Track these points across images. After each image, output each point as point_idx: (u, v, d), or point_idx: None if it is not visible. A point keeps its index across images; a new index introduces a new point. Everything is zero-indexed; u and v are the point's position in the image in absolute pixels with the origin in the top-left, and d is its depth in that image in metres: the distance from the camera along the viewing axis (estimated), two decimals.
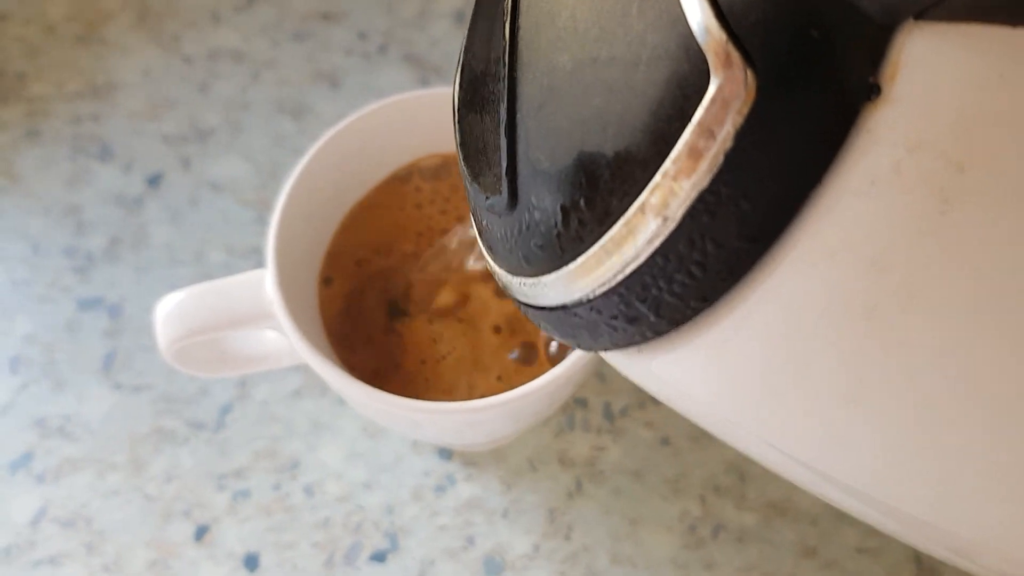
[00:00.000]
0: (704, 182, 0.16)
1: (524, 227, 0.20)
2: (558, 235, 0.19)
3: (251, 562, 0.40)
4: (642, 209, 0.17)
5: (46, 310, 0.44)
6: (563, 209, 0.18)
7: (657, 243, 0.17)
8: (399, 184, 0.34)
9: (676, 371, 0.20)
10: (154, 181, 0.46)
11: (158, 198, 0.46)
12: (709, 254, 0.17)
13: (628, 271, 0.18)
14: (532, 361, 0.30)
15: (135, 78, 0.49)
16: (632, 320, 0.19)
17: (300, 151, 0.46)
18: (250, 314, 0.30)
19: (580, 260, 0.19)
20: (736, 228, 0.17)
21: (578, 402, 0.42)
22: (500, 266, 0.22)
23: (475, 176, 0.21)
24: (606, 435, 0.41)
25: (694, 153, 0.16)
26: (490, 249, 0.22)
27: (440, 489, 0.41)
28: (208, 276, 0.44)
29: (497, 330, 0.31)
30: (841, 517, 0.40)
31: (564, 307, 0.20)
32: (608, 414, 0.42)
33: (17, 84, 0.48)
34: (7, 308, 0.44)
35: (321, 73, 0.48)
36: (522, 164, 0.19)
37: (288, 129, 0.47)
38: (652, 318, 0.19)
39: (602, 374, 0.42)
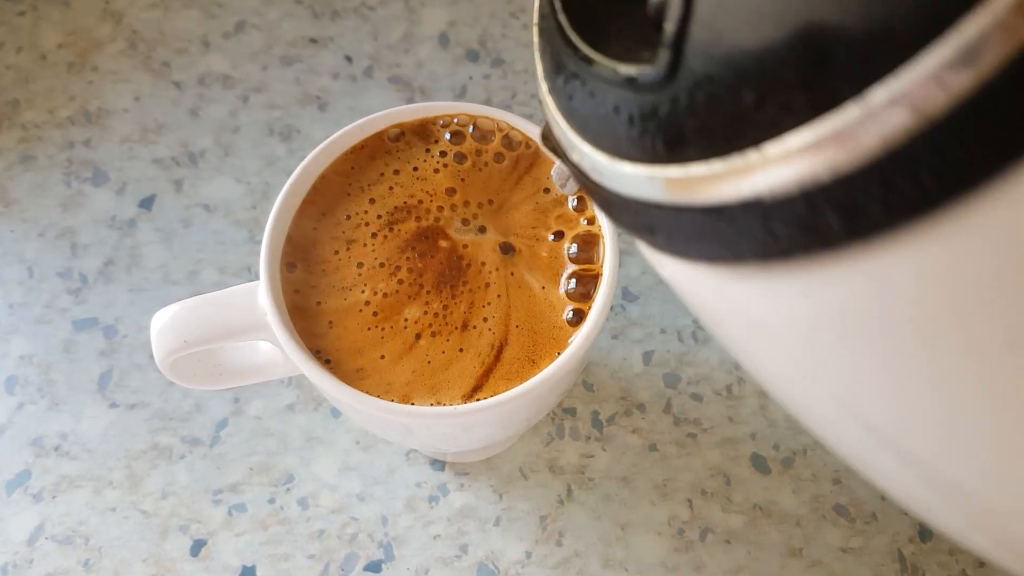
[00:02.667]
0: (987, 77, 0.13)
1: (680, 105, 0.16)
2: (741, 118, 0.15)
3: (248, 575, 0.40)
4: (892, 99, 0.13)
5: (42, 331, 0.44)
6: (761, 87, 0.15)
7: (896, 141, 0.14)
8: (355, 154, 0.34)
9: (809, 300, 0.17)
10: (147, 204, 0.47)
11: (151, 220, 0.47)
12: (952, 163, 0.14)
13: (842, 170, 0.14)
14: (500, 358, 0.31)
15: (127, 104, 0.50)
16: (806, 229, 0.15)
17: (290, 172, 0.47)
18: (244, 325, 0.30)
19: (769, 149, 0.15)
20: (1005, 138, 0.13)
21: (567, 411, 0.43)
22: (595, 145, 0.18)
23: (592, 42, 0.18)
24: (595, 443, 0.42)
25: (977, 46, 0.12)
26: (581, 126, 0.19)
27: (433, 499, 0.41)
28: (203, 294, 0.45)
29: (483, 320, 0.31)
30: (825, 518, 0.41)
31: (714, 209, 0.16)
32: (596, 422, 0.43)
33: (10, 111, 0.49)
34: (4, 330, 0.44)
35: (309, 96, 0.50)
36: (698, 28, 0.16)
37: (278, 151, 0.48)
38: (836, 228, 0.15)
39: (590, 383, 0.43)
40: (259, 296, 0.31)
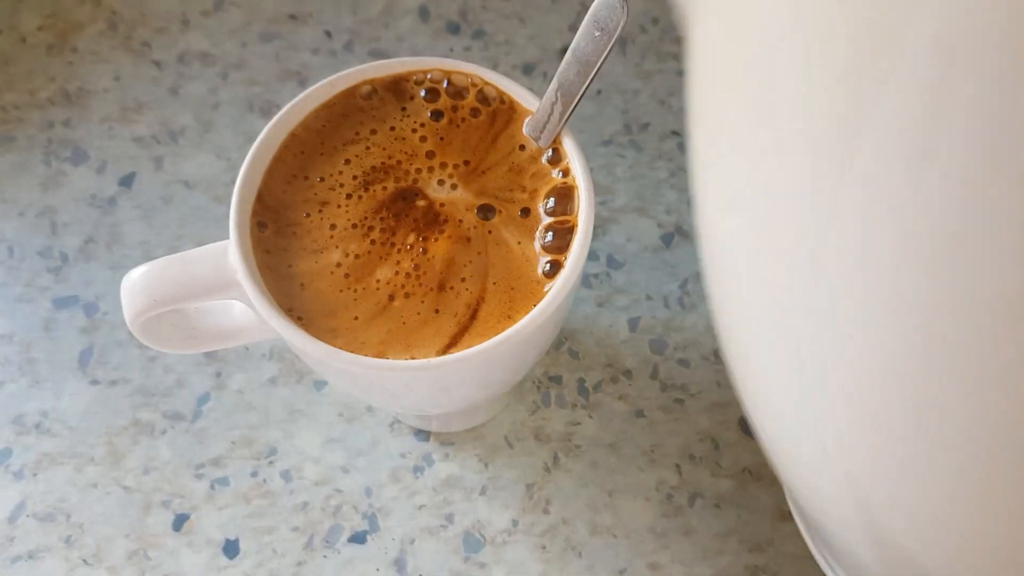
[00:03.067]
0: None
1: None
2: None
3: (231, 548, 0.40)
4: None
5: (23, 310, 0.44)
6: None
7: None
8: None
9: None
10: (127, 181, 0.47)
11: (131, 198, 0.46)
12: None
13: None
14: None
15: (107, 84, 0.49)
16: None
17: None
18: (214, 284, 0.30)
19: None
20: None
21: (552, 379, 0.42)
22: None
23: None
24: (581, 410, 0.42)
25: None
26: None
27: (418, 469, 0.41)
28: None
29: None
30: None
31: None
32: (582, 389, 0.42)
33: None
34: None
35: (289, 72, 0.49)
36: None
37: (258, 127, 0.47)
38: None
39: (575, 351, 0.43)
40: (229, 254, 0.30)
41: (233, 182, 0.46)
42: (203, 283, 0.30)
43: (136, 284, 0.30)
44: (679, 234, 0.45)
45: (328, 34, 0.50)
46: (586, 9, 0.50)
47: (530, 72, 0.49)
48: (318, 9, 0.51)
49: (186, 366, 0.43)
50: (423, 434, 0.41)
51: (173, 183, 0.47)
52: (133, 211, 0.46)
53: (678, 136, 0.47)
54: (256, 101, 0.48)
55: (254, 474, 0.41)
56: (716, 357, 0.42)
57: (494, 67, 0.49)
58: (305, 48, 0.50)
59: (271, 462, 0.41)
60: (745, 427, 0.41)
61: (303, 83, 0.49)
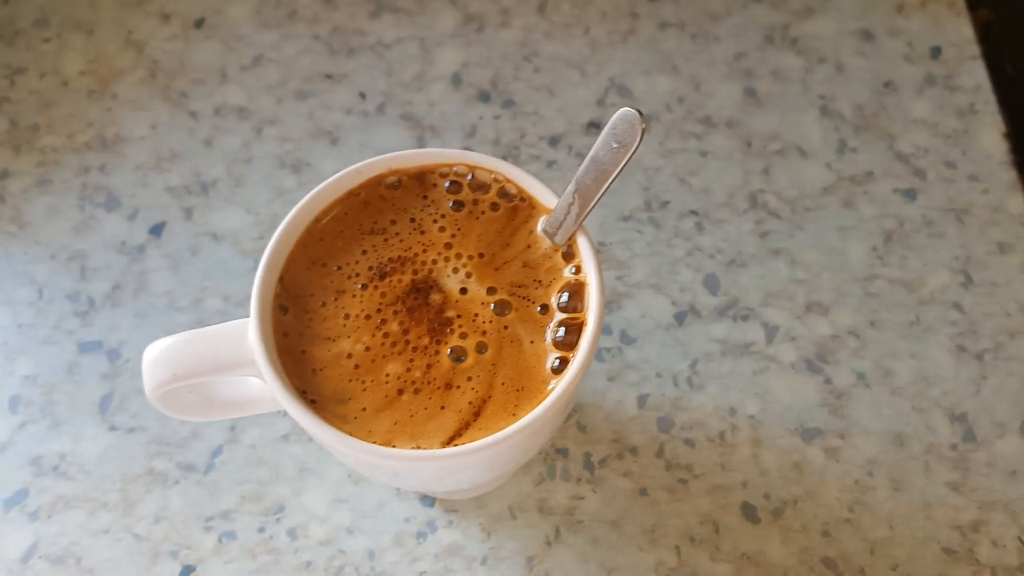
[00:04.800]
0: None
1: None
2: None
3: None
4: None
5: (48, 352, 0.45)
6: None
7: None
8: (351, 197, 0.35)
9: None
10: (156, 230, 0.48)
11: (160, 247, 0.48)
12: None
13: None
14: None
15: (143, 131, 0.51)
16: None
17: None
18: (233, 361, 0.31)
19: None
20: None
21: (559, 451, 0.43)
22: None
23: None
24: (585, 484, 0.42)
25: None
26: None
27: (421, 535, 0.42)
28: (205, 323, 0.45)
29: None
30: (813, 570, 0.40)
31: None
32: (588, 464, 0.43)
33: (30, 135, 0.50)
34: (11, 349, 0.45)
35: (321, 130, 0.50)
36: None
37: (288, 183, 0.49)
38: None
39: (583, 424, 0.43)
40: (248, 334, 0.31)
41: (260, 237, 0.47)
42: (222, 360, 0.31)
43: (157, 358, 0.31)
44: (692, 313, 0.46)
45: (362, 95, 0.51)
46: (614, 85, 0.51)
47: (556, 144, 0.50)
48: (353, 70, 0.52)
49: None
50: (428, 500, 0.42)
51: (201, 234, 0.48)
52: (161, 260, 0.47)
53: (696, 215, 0.48)
54: (288, 158, 0.50)
55: (261, 530, 0.42)
56: (721, 439, 0.43)
57: (521, 136, 0.50)
58: (338, 108, 0.51)
59: (279, 519, 0.42)
60: (746, 512, 0.42)
61: (335, 142, 0.50)
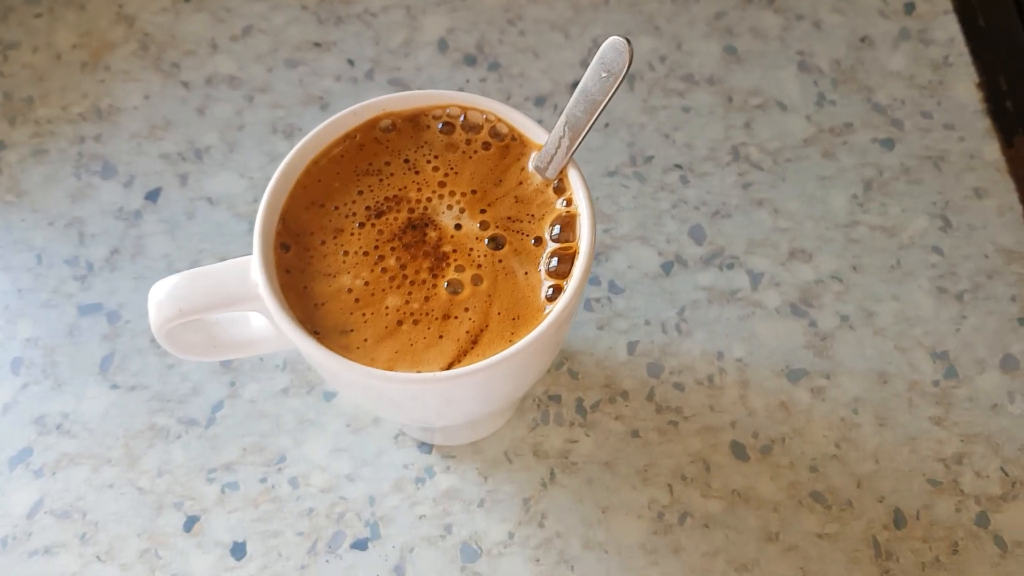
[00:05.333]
0: None
1: None
2: None
3: (238, 550, 0.41)
4: None
5: (48, 315, 0.46)
6: None
7: None
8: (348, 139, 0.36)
9: None
10: (152, 196, 0.49)
11: (156, 212, 0.48)
12: None
13: None
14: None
15: (136, 102, 0.52)
16: None
17: None
18: (238, 296, 0.32)
19: None
20: None
21: (552, 398, 0.44)
22: None
23: None
24: (578, 428, 0.43)
25: None
26: None
27: (420, 480, 0.43)
28: None
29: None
30: (801, 504, 0.42)
31: None
32: (580, 409, 0.44)
33: (25, 107, 0.51)
34: (12, 314, 0.46)
35: (312, 97, 0.51)
36: None
37: (281, 148, 0.50)
38: None
39: (575, 371, 0.44)
40: (252, 270, 0.32)
41: (255, 200, 0.48)
42: (227, 295, 0.32)
43: (164, 294, 0.32)
44: (678, 262, 0.47)
45: (351, 62, 0.52)
46: (597, 47, 0.52)
47: (541, 104, 0.51)
48: (341, 39, 0.53)
49: (202, 375, 0.45)
50: (426, 447, 0.43)
51: (197, 199, 0.49)
52: (158, 224, 0.48)
53: (680, 169, 0.49)
54: (279, 124, 0.51)
55: (263, 480, 0.43)
56: (709, 382, 0.44)
57: (507, 99, 0.51)
58: (328, 75, 0.52)
59: (280, 469, 0.43)
60: (735, 450, 0.43)
61: (325, 108, 0.51)
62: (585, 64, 0.52)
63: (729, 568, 0.41)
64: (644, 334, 0.45)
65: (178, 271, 0.47)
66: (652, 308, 0.46)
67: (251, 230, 0.47)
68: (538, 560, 0.41)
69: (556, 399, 0.44)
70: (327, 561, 0.41)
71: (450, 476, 0.43)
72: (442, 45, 0.53)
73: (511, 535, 0.41)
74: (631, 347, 0.45)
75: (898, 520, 0.41)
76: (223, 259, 0.47)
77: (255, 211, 0.48)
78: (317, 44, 0.53)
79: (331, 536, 0.41)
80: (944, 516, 0.42)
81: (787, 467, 0.42)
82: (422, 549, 0.41)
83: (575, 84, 0.51)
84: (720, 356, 0.45)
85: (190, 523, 0.42)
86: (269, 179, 0.49)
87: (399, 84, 0.52)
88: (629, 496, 0.42)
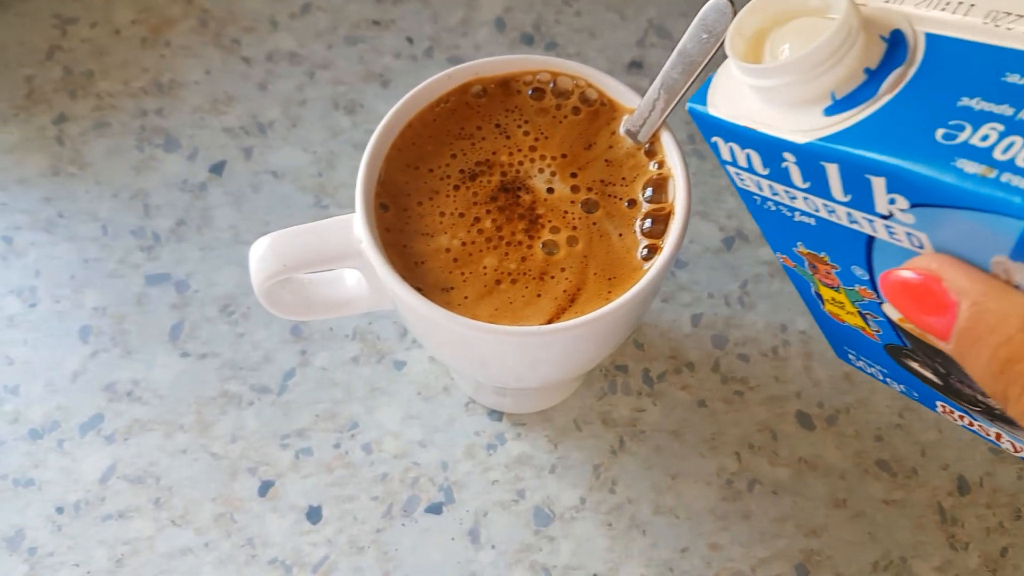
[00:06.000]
0: None
1: None
2: None
3: (314, 514, 0.42)
4: None
5: (115, 285, 0.46)
6: None
7: None
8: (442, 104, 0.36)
9: None
10: (217, 169, 0.49)
11: (221, 184, 0.49)
12: None
13: None
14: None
15: (197, 77, 0.52)
16: None
17: (354, 143, 0.49)
18: (340, 252, 0.32)
19: None
20: None
21: (619, 368, 0.45)
22: None
23: None
24: (646, 398, 0.44)
25: None
26: None
27: (491, 447, 0.43)
28: None
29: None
30: (867, 472, 0.42)
31: None
32: (647, 379, 0.45)
33: (85, 81, 0.52)
34: (78, 283, 0.46)
35: (372, 74, 0.52)
36: None
37: (343, 123, 0.51)
38: None
39: (640, 343, 0.45)
40: (355, 226, 0.33)
41: (319, 175, 0.49)
42: (330, 251, 0.32)
43: (266, 250, 0.32)
44: (739, 238, 0.48)
45: (409, 40, 0.53)
46: (652, 26, 0.53)
47: None
48: (400, 16, 0.54)
49: (273, 343, 0.45)
50: (496, 414, 0.44)
51: (261, 172, 0.49)
52: (223, 197, 0.49)
53: None
54: (341, 100, 0.51)
55: (336, 445, 0.43)
56: (774, 353, 0.45)
57: None
58: (388, 52, 0.53)
59: (352, 435, 0.43)
60: (801, 420, 0.44)
61: (386, 84, 0.51)
62: (642, 44, 0.53)
63: (799, 533, 0.41)
64: (708, 307, 0.46)
65: (245, 242, 0.47)
66: (715, 282, 0.47)
67: (316, 203, 0.48)
68: (610, 524, 0.42)
69: (623, 369, 0.45)
70: (403, 525, 0.41)
71: (521, 443, 0.43)
72: (499, 24, 0.54)
73: (583, 500, 0.42)
74: (695, 319, 0.46)
75: (962, 487, 0.42)
76: None
77: (318, 184, 0.49)
78: (376, 22, 0.54)
79: (406, 500, 0.42)
80: (1006, 483, 0.42)
81: (852, 436, 0.43)
82: (495, 513, 0.42)
83: (632, 63, 0.52)
84: (783, 329, 0.46)
85: (265, 488, 0.42)
86: (331, 153, 0.50)
87: (458, 62, 0.52)
88: (697, 464, 0.43)
